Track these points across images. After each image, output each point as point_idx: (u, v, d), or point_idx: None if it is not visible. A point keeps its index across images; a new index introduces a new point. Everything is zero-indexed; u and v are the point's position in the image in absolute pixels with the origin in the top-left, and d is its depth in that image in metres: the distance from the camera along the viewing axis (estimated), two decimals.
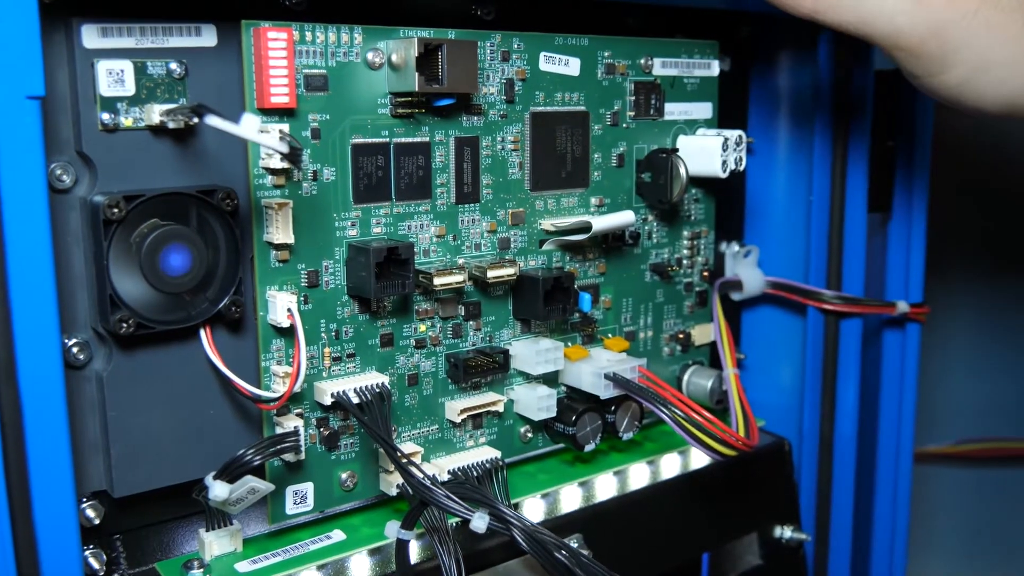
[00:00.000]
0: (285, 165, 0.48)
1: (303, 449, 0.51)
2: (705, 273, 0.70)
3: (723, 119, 0.69)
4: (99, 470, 0.48)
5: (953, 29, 0.50)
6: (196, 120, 0.45)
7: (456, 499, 0.48)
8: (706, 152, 0.64)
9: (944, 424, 1.03)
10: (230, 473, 0.47)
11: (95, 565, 0.48)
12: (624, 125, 0.63)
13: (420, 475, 0.49)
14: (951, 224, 0.90)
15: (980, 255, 1.02)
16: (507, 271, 0.56)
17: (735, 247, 0.73)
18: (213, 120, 0.42)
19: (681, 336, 0.69)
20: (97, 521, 0.48)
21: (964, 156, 0.98)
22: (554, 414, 0.60)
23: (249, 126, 0.42)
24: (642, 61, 0.63)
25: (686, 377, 0.70)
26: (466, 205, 0.57)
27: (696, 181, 0.67)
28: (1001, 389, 1.04)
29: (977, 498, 1.07)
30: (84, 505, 0.48)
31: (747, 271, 0.72)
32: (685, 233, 0.68)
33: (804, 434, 0.74)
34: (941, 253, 0.85)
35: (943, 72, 0.52)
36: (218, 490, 0.47)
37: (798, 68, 0.71)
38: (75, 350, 0.46)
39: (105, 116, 0.45)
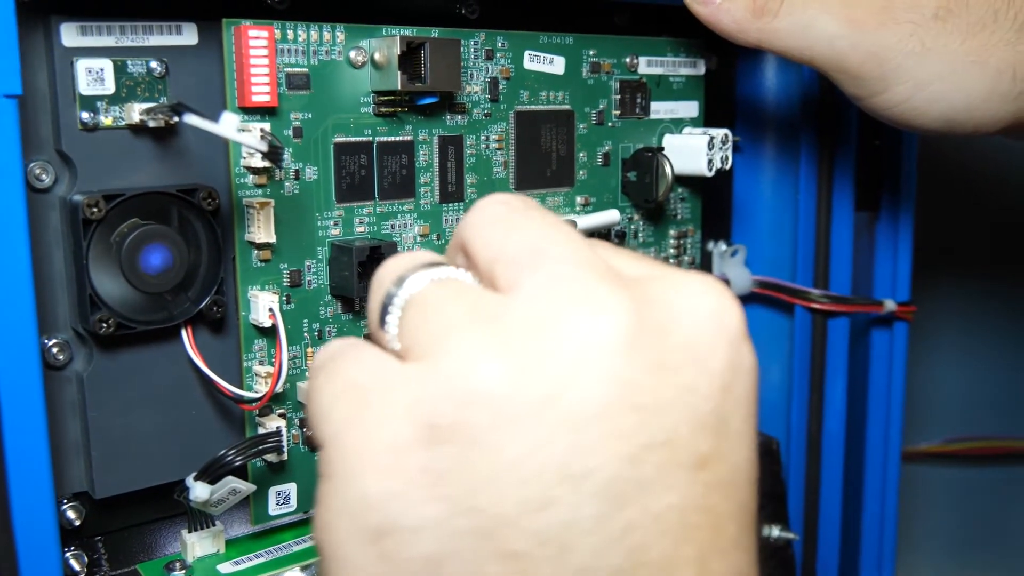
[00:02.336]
0: (267, 164, 0.48)
1: (286, 449, 0.51)
2: None
3: (709, 118, 0.69)
4: (80, 471, 0.48)
5: (890, 50, 0.52)
6: (176, 119, 0.44)
7: None
8: (692, 151, 0.64)
9: (932, 422, 1.03)
10: (211, 474, 0.47)
11: (76, 567, 0.48)
12: (610, 124, 0.63)
13: None
14: (938, 223, 0.90)
15: (968, 254, 1.02)
16: None
17: (722, 246, 0.73)
18: (192, 119, 0.41)
19: None
20: (78, 522, 0.48)
21: (951, 154, 0.98)
22: None
23: (228, 124, 0.41)
24: (628, 60, 0.63)
25: None
26: (450, 204, 0.56)
27: (682, 180, 0.67)
28: (989, 387, 1.04)
29: (965, 496, 1.07)
30: (65, 506, 0.48)
31: (734, 270, 0.72)
32: (671, 232, 0.68)
33: (792, 433, 0.74)
34: (928, 252, 0.85)
35: (884, 92, 0.53)
36: (199, 491, 0.47)
37: (784, 67, 0.71)
38: (55, 350, 0.46)
39: (85, 115, 0.45)
